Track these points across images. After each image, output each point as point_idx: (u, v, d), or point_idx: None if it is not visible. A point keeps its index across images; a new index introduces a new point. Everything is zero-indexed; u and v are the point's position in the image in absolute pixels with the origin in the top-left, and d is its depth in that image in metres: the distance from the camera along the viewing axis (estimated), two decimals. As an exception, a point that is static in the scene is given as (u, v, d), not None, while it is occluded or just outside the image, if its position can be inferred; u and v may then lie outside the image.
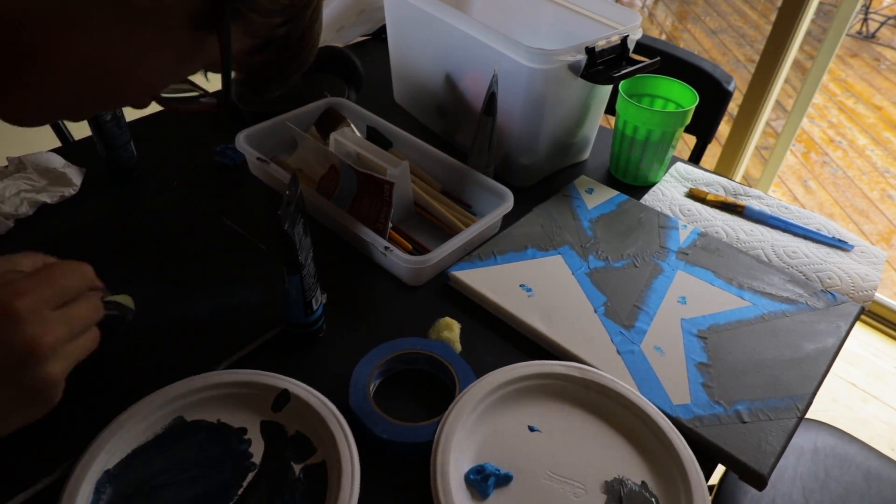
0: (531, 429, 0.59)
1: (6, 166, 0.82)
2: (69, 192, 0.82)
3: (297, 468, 0.54)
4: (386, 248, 0.71)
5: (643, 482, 0.56)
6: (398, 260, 0.71)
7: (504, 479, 0.55)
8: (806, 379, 0.65)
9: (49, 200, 0.80)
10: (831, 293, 0.75)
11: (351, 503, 0.51)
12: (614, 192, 0.89)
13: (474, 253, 0.77)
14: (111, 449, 0.54)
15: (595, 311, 0.70)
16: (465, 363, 0.63)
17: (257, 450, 0.55)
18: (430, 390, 0.63)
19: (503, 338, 0.69)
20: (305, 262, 0.59)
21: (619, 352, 0.66)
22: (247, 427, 0.57)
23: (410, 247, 0.76)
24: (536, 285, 0.73)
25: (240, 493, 0.52)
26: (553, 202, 0.87)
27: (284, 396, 0.58)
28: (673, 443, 0.57)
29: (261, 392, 0.59)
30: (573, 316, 0.70)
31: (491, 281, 0.73)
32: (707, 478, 0.56)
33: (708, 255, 0.79)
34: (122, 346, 0.62)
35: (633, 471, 0.56)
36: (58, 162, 0.82)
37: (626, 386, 0.61)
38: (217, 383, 0.59)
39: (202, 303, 0.67)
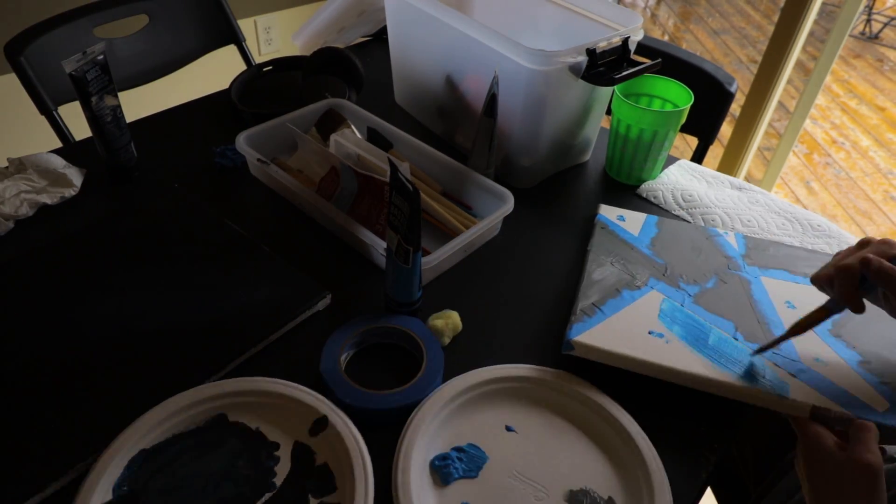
0: (508, 428, 0.59)
1: (6, 167, 0.82)
2: (69, 193, 0.82)
3: (313, 502, 0.52)
4: (386, 249, 0.71)
5: (609, 497, 0.55)
6: (398, 262, 0.71)
7: (473, 461, 0.56)
8: None
9: (49, 201, 0.80)
10: None
11: None
12: (643, 215, 0.83)
13: (579, 312, 0.66)
14: (153, 429, 0.55)
15: (734, 339, 0.64)
16: (436, 340, 0.64)
17: (282, 470, 0.54)
18: (407, 367, 0.65)
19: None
20: None
21: (790, 374, 0.60)
22: (280, 443, 0.56)
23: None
24: (663, 329, 0.65)
25: None
26: (600, 237, 0.78)
27: (323, 422, 0.57)
28: (647, 462, 0.56)
29: (303, 410, 0.58)
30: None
31: (615, 337, 0.63)
32: (698, 499, 0.56)
33: (764, 254, 0.76)
34: (124, 349, 0.62)
35: (602, 484, 0.56)
36: (58, 163, 0.82)
37: (609, 398, 0.60)
38: (265, 391, 0.58)
39: (204, 304, 0.67)
